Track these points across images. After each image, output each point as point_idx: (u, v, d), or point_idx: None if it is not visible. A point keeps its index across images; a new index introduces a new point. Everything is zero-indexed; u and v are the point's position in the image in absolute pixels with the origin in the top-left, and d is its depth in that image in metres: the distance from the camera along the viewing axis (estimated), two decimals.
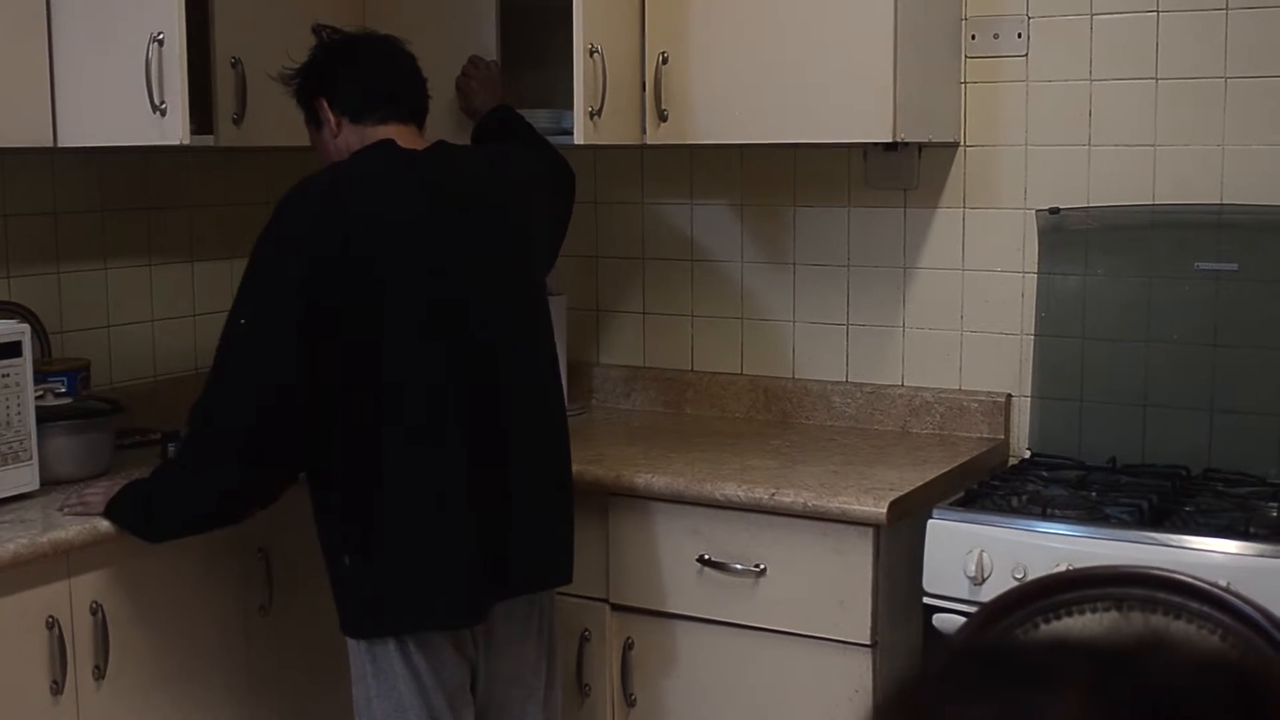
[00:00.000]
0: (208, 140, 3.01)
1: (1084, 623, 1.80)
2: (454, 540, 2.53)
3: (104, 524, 2.56)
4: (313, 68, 2.71)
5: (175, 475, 2.59)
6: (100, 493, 2.61)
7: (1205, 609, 1.74)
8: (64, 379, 3.00)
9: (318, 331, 2.43)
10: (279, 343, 2.44)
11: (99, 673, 2.58)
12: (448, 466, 2.52)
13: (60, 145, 2.86)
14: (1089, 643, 0.82)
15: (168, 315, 3.53)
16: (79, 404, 2.94)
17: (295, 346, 2.42)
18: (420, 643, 2.53)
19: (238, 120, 3.06)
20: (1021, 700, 0.79)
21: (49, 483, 2.75)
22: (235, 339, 2.48)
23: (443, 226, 2.55)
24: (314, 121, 2.71)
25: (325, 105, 2.67)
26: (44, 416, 2.76)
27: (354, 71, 2.68)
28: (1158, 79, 3.04)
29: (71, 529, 2.52)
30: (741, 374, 3.55)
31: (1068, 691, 0.78)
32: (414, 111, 2.69)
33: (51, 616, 2.50)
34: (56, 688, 2.51)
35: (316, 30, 2.74)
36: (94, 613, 2.57)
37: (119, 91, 2.75)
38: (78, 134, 2.86)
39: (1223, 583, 1.79)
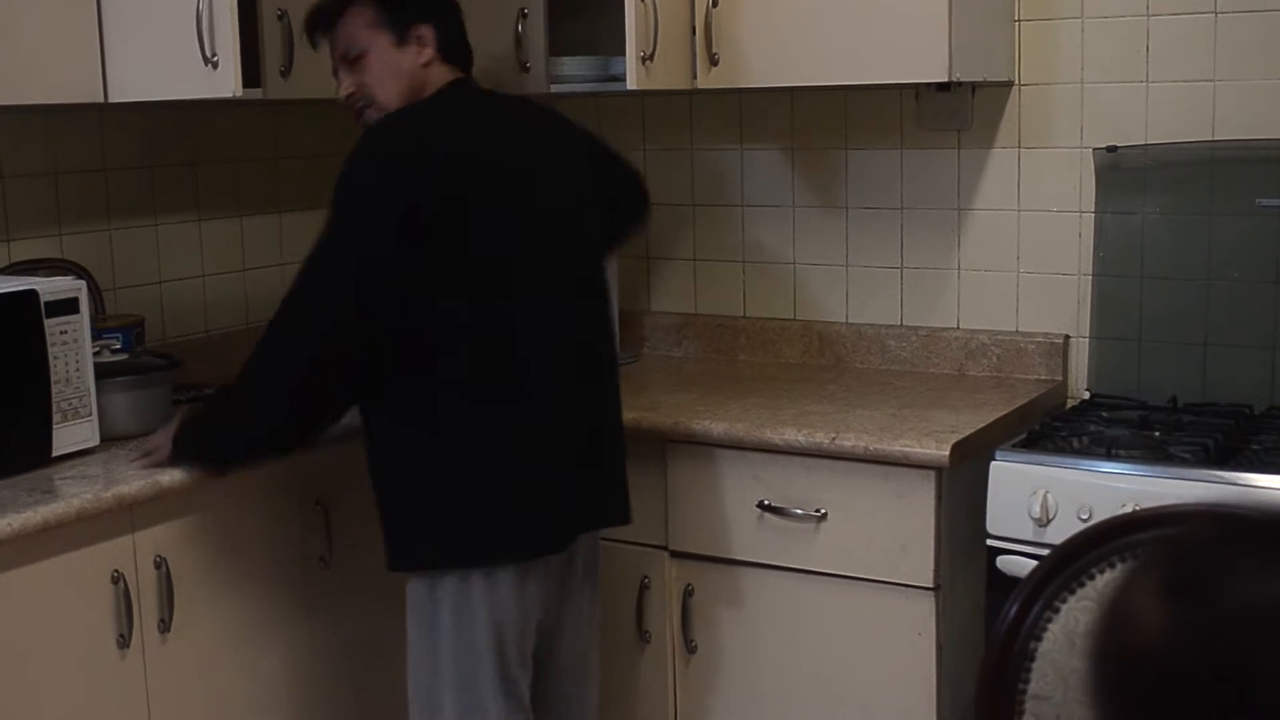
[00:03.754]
0: (256, 94, 2.99)
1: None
2: (533, 470, 2.54)
3: (166, 477, 2.56)
4: None
5: (237, 397, 2.59)
6: (161, 437, 2.63)
7: None
8: (120, 335, 3.00)
9: (401, 260, 2.43)
10: (356, 265, 2.45)
11: (164, 626, 2.59)
12: (521, 405, 2.53)
13: (111, 100, 2.86)
14: None
15: (218, 270, 3.52)
16: (135, 360, 2.94)
17: (374, 270, 2.44)
18: (493, 582, 2.52)
19: (285, 73, 3.04)
20: None
21: (109, 439, 2.75)
22: (317, 258, 2.49)
23: (527, 170, 2.59)
24: (399, 40, 2.63)
25: (431, 33, 2.64)
26: (102, 373, 2.76)
27: (457, 13, 2.71)
28: (1217, 12, 2.99)
29: (134, 483, 2.52)
30: (794, 319, 3.52)
31: None
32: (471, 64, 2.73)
33: (117, 571, 2.51)
34: (123, 641, 2.52)
35: None
36: (158, 566, 2.58)
37: (170, 45, 2.74)
38: (128, 89, 2.85)
39: None
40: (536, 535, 2.55)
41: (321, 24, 2.69)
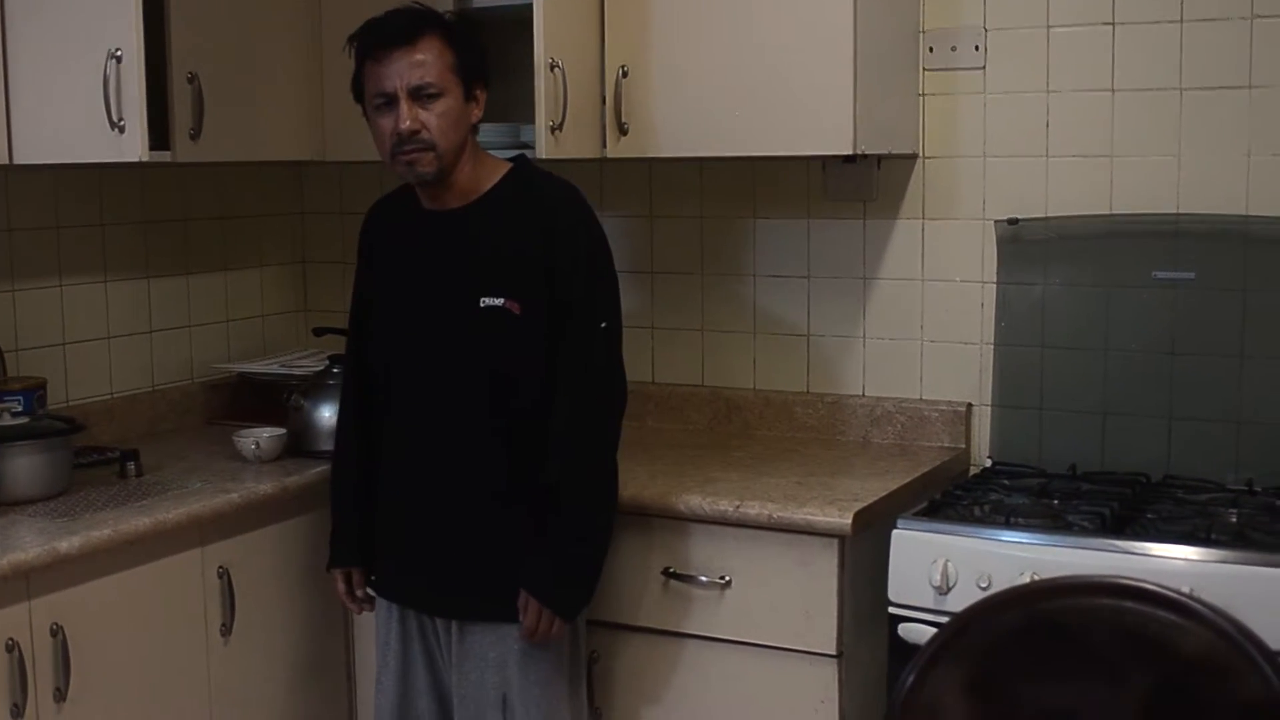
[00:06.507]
0: (165, 156, 2.98)
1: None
2: None
3: (64, 544, 2.53)
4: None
5: (584, 510, 2.66)
6: (533, 618, 2.63)
7: (1173, 617, 1.75)
8: (20, 398, 2.97)
9: None
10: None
11: (60, 695, 2.55)
12: None
13: (16, 162, 2.84)
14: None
15: (123, 332, 3.49)
16: (36, 423, 2.90)
17: None
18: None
19: (194, 135, 3.04)
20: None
21: (7, 503, 2.72)
22: (609, 333, 2.69)
23: None
24: (467, 96, 2.62)
25: (484, 97, 2.68)
26: (1, 437, 2.73)
27: None
28: (1114, 90, 3.06)
29: (31, 550, 2.49)
30: (703, 385, 3.55)
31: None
32: None
33: (11, 639, 2.47)
34: (17, 711, 2.48)
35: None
36: (54, 634, 2.54)
37: (76, 108, 2.74)
38: (34, 151, 2.84)
39: (1185, 589, 1.80)
40: None
41: (401, 39, 2.55)
